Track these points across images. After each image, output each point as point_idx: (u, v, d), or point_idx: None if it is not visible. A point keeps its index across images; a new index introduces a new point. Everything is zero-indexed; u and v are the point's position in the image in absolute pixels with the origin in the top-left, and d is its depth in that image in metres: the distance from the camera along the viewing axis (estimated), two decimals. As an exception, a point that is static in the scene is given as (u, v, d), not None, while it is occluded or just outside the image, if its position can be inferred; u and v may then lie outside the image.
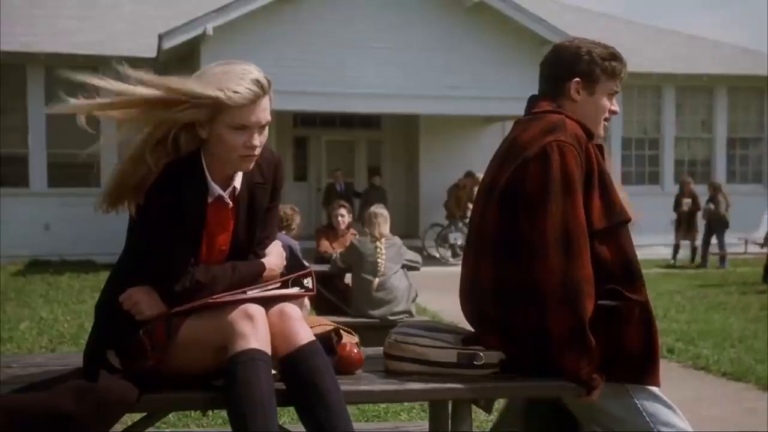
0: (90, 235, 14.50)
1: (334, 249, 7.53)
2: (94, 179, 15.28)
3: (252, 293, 2.36)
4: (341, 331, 2.61)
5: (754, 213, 16.99)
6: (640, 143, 18.03)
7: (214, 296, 2.32)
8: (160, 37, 13.41)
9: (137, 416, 2.47)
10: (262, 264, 2.47)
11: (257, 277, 2.44)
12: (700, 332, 7.89)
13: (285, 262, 2.58)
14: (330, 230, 8.00)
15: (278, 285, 2.43)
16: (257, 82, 2.31)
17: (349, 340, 2.60)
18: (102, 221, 15.53)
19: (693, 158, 18.45)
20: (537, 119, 2.57)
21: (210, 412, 4.44)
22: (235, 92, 2.28)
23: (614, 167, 16.44)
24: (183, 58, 14.60)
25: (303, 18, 13.69)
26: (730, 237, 15.82)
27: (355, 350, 2.57)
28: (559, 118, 2.53)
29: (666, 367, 2.63)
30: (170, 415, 4.29)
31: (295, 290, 2.44)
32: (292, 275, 2.48)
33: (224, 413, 4.66)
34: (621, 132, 17.71)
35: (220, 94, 2.27)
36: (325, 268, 6.90)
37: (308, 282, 2.48)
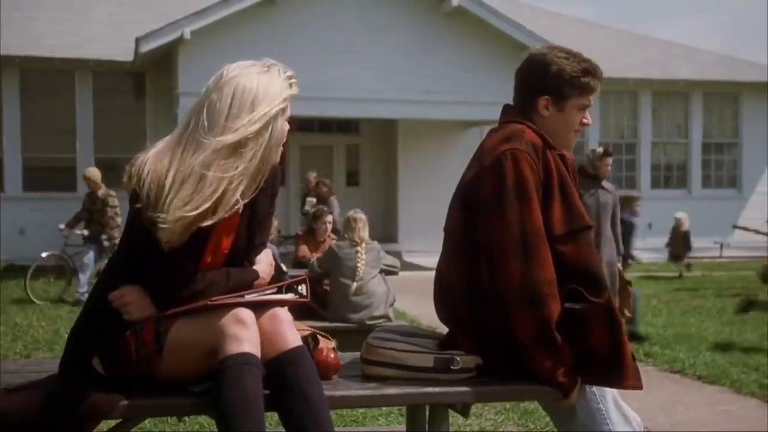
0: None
1: (313, 254, 7.51)
2: (69, 184, 15.16)
3: (249, 297, 2.36)
4: (318, 335, 2.60)
5: (728, 217, 17.16)
6: (617, 148, 18.13)
7: (213, 299, 2.30)
8: (137, 41, 13.34)
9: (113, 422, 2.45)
10: (255, 272, 2.47)
11: (250, 284, 2.43)
12: (676, 336, 7.95)
13: (274, 272, 2.58)
14: (310, 235, 7.98)
15: (274, 290, 2.44)
16: (288, 72, 2.42)
17: (326, 344, 2.59)
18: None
19: (669, 163, 18.59)
20: (501, 129, 2.61)
21: (186, 418, 4.41)
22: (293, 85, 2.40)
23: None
24: (159, 61, 14.54)
25: (281, 22, 13.67)
26: (705, 241, 15.92)
27: (332, 355, 2.57)
28: (520, 128, 2.55)
29: (642, 371, 2.65)
30: (146, 421, 4.26)
31: (290, 296, 2.45)
32: (287, 281, 2.49)
33: (201, 419, 4.63)
34: (598, 137, 17.81)
35: (292, 92, 2.39)
36: (303, 272, 6.89)
37: (302, 289, 2.49)
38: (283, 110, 2.36)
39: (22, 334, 7.88)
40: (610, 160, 7.00)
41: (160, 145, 2.33)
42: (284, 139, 2.41)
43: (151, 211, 2.23)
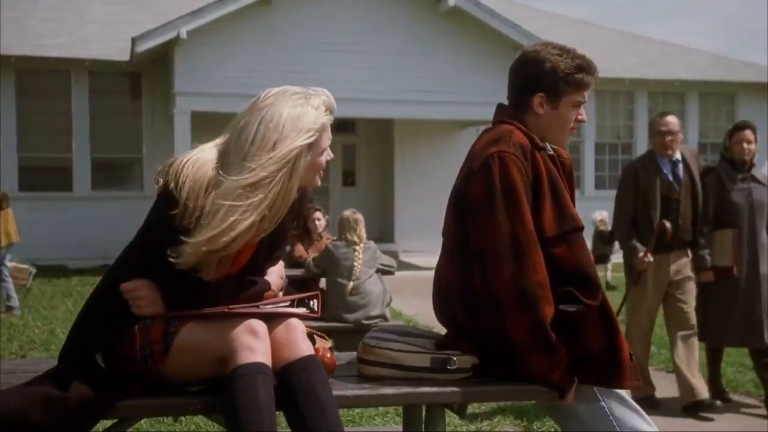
0: (61, 240, 14.35)
1: (308, 254, 7.50)
2: (65, 184, 15.14)
3: (264, 309, 2.37)
4: (314, 335, 2.60)
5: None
6: (614, 148, 18.18)
7: (231, 306, 2.31)
8: (134, 41, 13.32)
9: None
10: (267, 283, 2.48)
11: (261, 294, 2.45)
12: (672, 335, 7.93)
13: (283, 284, 2.60)
14: (305, 235, 7.96)
15: (288, 303, 2.46)
16: (326, 100, 2.43)
17: (323, 344, 2.59)
18: (73, 226, 15.12)
19: (665, 163, 18.61)
20: (490, 130, 2.61)
21: (182, 418, 4.41)
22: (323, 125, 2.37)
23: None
24: (156, 61, 14.53)
25: (277, 22, 13.67)
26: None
27: (328, 355, 2.56)
28: (508, 129, 2.54)
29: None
30: (142, 420, 4.25)
31: (301, 310, 2.47)
32: (299, 295, 2.51)
33: (197, 419, 4.62)
34: (594, 137, 17.86)
35: (324, 121, 2.37)
36: (299, 272, 6.88)
37: (314, 304, 2.51)
38: (310, 145, 2.32)
39: (17, 334, 7.88)
40: (744, 135, 5.24)
41: (199, 154, 2.32)
42: (323, 166, 2.41)
43: (183, 221, 2.25)
